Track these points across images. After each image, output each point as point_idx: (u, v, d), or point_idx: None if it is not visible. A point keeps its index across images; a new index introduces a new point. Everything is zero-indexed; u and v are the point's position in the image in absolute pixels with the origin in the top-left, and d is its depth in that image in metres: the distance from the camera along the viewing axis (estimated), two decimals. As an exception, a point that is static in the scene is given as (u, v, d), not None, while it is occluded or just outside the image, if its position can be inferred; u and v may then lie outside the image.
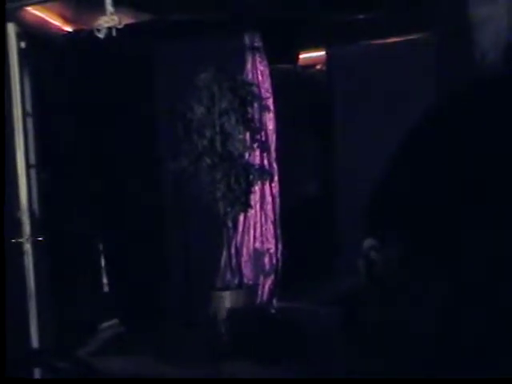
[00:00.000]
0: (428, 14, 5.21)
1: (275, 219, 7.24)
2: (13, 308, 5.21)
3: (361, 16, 7.17)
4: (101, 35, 5.29)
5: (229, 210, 6.90)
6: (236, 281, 7.04)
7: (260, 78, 7.24)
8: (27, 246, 5.29)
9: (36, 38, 5.76)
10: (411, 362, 2.18)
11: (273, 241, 7.19)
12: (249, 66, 7.24)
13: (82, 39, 6.29)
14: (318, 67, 8.96)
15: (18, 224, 5.34)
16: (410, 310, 2.36)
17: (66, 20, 6.50)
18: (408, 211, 2.56)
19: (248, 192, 7.04)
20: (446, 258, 2.20)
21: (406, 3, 6.36)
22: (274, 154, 7.20)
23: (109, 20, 5.24)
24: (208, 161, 6.75)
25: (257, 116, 7.12)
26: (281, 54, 7.95)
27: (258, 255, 7.19)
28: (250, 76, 7.20)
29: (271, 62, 7.37)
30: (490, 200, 2.25)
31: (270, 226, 7.22)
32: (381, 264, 2.33)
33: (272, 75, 7.31)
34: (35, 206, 5.51)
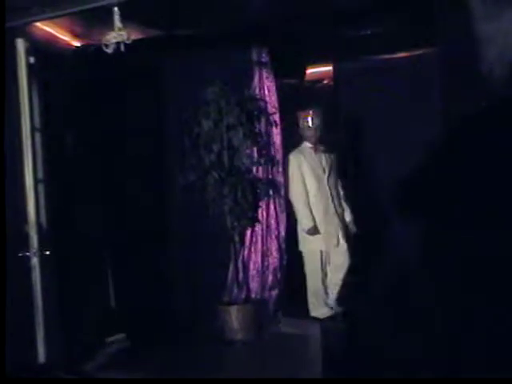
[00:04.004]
0: (434, 29, 5.22)
1: (282, 233, 7.24)
2: (20, 322, 5.22)
3: (367, 31, 7.20)
4: (109, 50, 5.33)
5: (236, 224, 6.91)
6: (243, 295, 7.04)
7: (267, 92, 7.26)
8: (34, 260, 5.31)
9: (45, 53, 5.80)
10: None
11: (279, 255, 7.19)
12: (256, 80, 7.26)
13: (91, 54, 6.33)
14: (325, 82, 8.99)
15: (25, 238, 5.36)
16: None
17: (75, 35, 6.54)
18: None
19: (255, 206, 7.06)
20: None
21: (412, 19, 6.38)
22: (280, 169, 7.21)
23: (117, 35, 5.28)
24: (215, 175, 6.77)
25: (264, 131, 7.14)
26: (288, 68, 7.98)
27: (264, 270, 7.19)
28: (257, 91, 7.22)
29: (278, 76, 7.40)
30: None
31: (277, 241, 7.21)
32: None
33: (279, 90, 7.33)
34: (43, 219, 5.54)
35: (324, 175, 6.78)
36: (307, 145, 6.84)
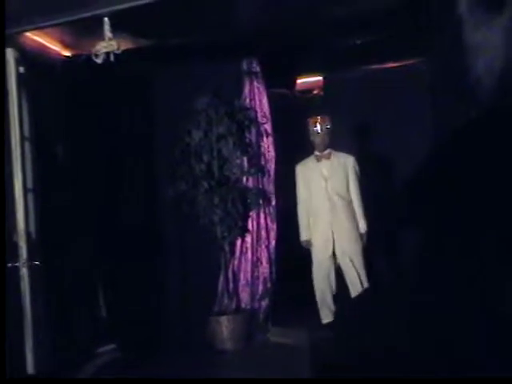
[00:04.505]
0: (424, 40, 5.26)
1: (273, 243, 7.23)
2: (9, 332, 5.19)
3: (357, 42, 7.23)
4: (99, 60, 5.33)
5: (226, 234, 6.90)
6: (233, 305, 7.03)
7: (257, 102, 7.27)
8: (24, 270, 5.29)
9: (35, 63, 5.80)
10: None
11: (268, 265, 7.18)
12: (246, 90, 7.27)
13: (81, 64, 6.33)
14: (315, 92, 9.01)
15: (14, 248, 5.34)
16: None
17: (65, 45, 6.54)
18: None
19: (245, 216, 7.05)
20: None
21: (402, 30, 6.42)
22: (271, 179, 7.21)
23: (107, 45, 5.29)
24: (205, 185, 6.77)
25: (254, 141, 7.15)
26: (278, 79, 7.99)
27: (254, 279, 7.18)
28: (247, 101, 7.23)
29: (269, 86, 7.40)
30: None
31: (268, 251, 7.21)
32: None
33: (269, 100, 7.34)
34: (32, 230, 5.52)
35: (325, 184, 6.49)
36: (315, 153, 6.58)
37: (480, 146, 2.47)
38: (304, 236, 6.59)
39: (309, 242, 6.55)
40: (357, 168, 6.52)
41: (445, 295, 2.22)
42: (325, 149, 6.52)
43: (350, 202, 6.50)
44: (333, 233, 6.42)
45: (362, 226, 6.50)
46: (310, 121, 6.60)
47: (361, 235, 6.48)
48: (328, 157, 6.51)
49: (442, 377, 2.11)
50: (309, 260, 6.60)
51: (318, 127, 6.53)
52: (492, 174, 2.40)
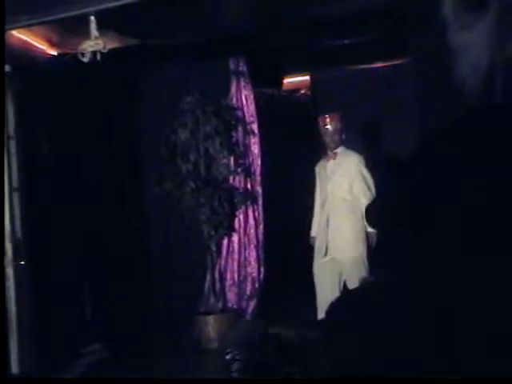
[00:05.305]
0: (409, 39, 5.25)
1: (259, 243, 7.24)
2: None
3: (344, 42, 7.23)
4: (85, 59, 5.30)
5: (213, 233, 6.90)
6: (220, 305, 7.02)
7: (244, 102, 7.27)
8: (9, 271, 5.27)
9: (20, 61, 5.77)
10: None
11: (256, 265, 7.18)
12: (233, 90, 7.27)
13: (67, 63, 6.30)
14: (302, 92, 9.01)
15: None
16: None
17: (51, 44, 6.51)
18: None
19: (232, 216, 7.05)
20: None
21: (388, 29, 6.43)
22: (258, 178, 7.21)
23: (93, 44, 5.26)
24: (192, 185, 6.76)
25: (241, 140, 7.15)
26: (265, 78, 7.99)
27: (242, 279, 7.18)
28: (234, 100, 7.23)
29: (256, 86, 7.40)
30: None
31: (254, 250, 7.21)
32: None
33: (256, 99, 7.34)
34: (17, 229, 5.49)
35: (326, 183, 6.34)
36: (327, 152, 6.40)
37: (466, 145, 2.47)
38: (311, 233, 6.53)
39: (313, 240, 6.47)
40: (362, 166, 6.31)
41: (448, 298, 2.21)
42: (336, 147, 6.32)
43: (353, 202, 6.26)
44: (328, 232, 6.33)
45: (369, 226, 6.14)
46: (320, 120, 6.46)
47: (368, 234, 6.23)
48: (334, 156, 6.38)
49: (442, 377, 2.10)
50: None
51: (328, 126, 6.38)
52: (480, 173, 2.40)
